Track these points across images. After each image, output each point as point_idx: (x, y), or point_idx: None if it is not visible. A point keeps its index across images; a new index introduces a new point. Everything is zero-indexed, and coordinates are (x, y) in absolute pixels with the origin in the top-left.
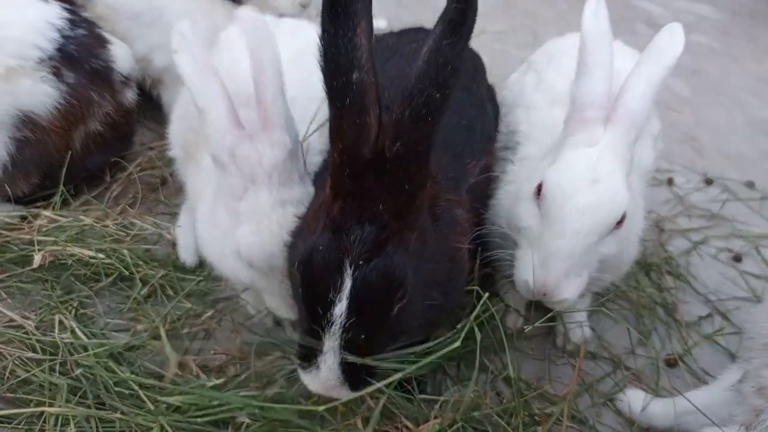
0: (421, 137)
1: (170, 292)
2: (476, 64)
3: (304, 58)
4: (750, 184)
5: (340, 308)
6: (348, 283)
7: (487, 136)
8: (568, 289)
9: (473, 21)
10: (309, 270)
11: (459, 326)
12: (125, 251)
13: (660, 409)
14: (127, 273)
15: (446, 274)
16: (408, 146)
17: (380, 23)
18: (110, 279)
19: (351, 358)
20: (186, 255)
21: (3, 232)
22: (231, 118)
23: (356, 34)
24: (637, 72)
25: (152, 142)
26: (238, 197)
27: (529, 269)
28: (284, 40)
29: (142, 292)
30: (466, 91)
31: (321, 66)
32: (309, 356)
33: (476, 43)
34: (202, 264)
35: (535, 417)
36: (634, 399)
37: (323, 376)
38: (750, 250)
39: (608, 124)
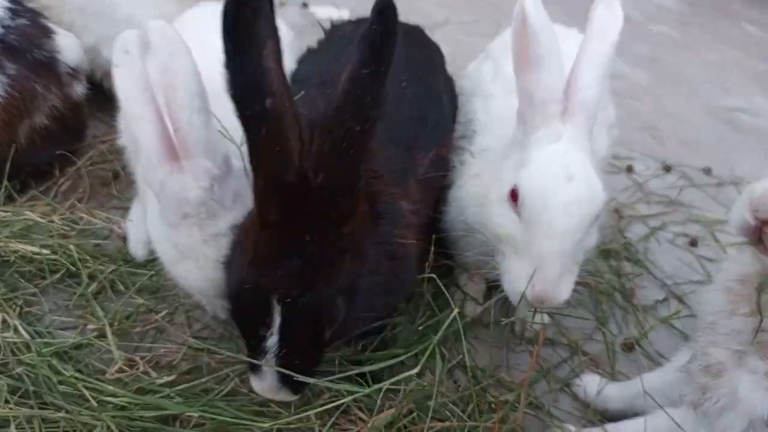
0: (343, 169)
1: (121, 288)
2: (433, 55)
3: None
4: (707, 171)
5: (272, 341)
6: (277, 319)
7: (441, 128)
8: (565, 291)
9: (393, 45)
10: (238, 306)
11: (420, 347)
12: (72, 247)
13: (615, 392)
14: (74, 269)
15: (389, 276)
16: (331, 178)
17: (343, 14)
18: (57, 276)
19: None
20: (136, 249)
21: None
22: (164, 148)
23: (263, 57)
24: (583, 57)
25: (105, 135)
26: (175, 228)
27: (523, 279)
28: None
29: (90, 289)
30: (420, 83)
31: (231, 95)
32: (253, 365)
33: (440, 33)
34: (154, 258)
35: (492, 405)
36: (589, 383)
37: (266, 382)
38: (706, 235)
39: (565, 116)
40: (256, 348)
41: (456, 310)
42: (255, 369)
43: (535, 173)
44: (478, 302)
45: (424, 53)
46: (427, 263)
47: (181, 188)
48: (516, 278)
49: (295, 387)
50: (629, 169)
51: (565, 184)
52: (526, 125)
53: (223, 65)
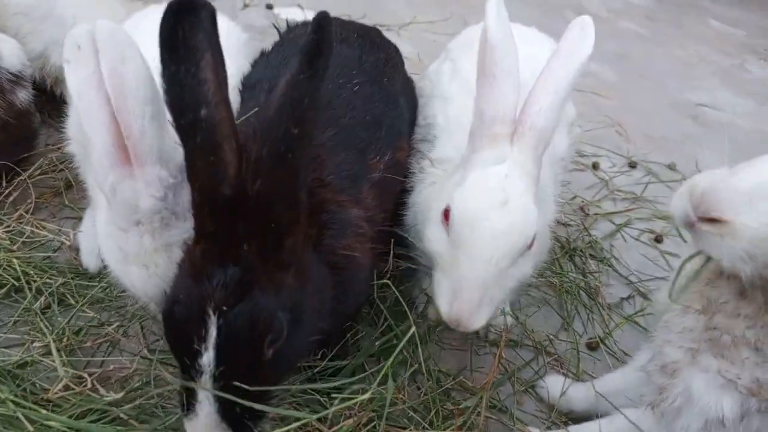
0: (282, 175)
1: (71, 302)
2: (389, 56)
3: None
4: (672, 166)
5: (208, 358)
6: (213, 332)
7: (397, 131)
8: (480, 319)
9: (329, 54)
10: (171, 319)
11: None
12: (14, 260)
13: (579, 393)
14: (18, 284)
15: (336, 291)
16: (270, 184)
17: (308, 15)
18: (2, 291)
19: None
20: (89, 260)
21: None
22: (116, 152)
23: (200, 68)
24: (545, 80)
25: (58, 143)
26: (124, 233)
27: (444, 299)
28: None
29: (37, 304)
30: (374, 85)
31: (167, 104)
32: (189, 402)
33: (406, 32)
34: (106, 269)
35: (453, 410)
36: (553, 384)
37: (202, 423)
38: (671, 231)
39: (515, 139)
40: (190, 370)
41: (413, 329)
42: (189, 407)
43: (469, 195)
44: None
45: (380, 54)
46: (386, 268)
47: (133, 195)
48: (438, 296)
49: (236, 424)
50: (595, 166)
51: (498, 209)
52: (473, 142)
53: (159, 75)
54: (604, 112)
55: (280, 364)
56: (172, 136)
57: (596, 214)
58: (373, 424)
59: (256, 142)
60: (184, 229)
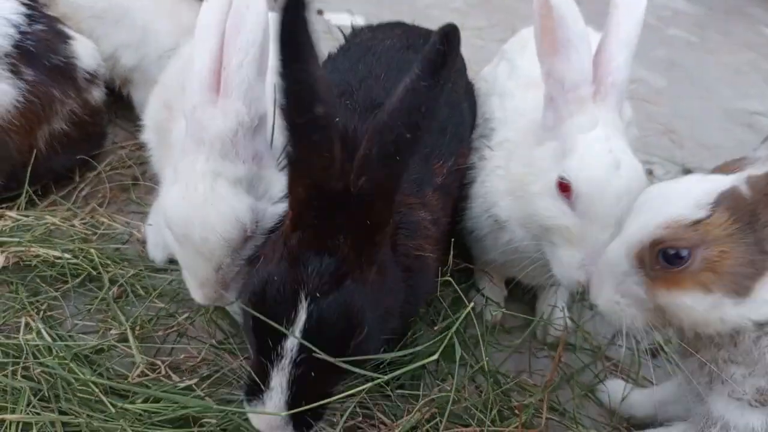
0: (387, 175)
1: (141, 293)
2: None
3: None
4: None
5: (292, 341)
6: (303, 316)
7: (460, 137)
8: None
9: (452, 65)
10: (262, 300)
11: (437, 335)
12: (92, 251)
13: (641, 399)
14: (95, 273)
15: (407, 291)
16: (373, 183)
17: (357, 20)
18: (78, 280)
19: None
20: (156, 252)
21: None
22: (210, 78)
23: (312, 67)
24: (612, 38)
25: (125, 140)
26: (184, 153)
27: (576, 268)
28: None
29: (111, 293)
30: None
31: (282, 104)
32: (256, 391)
33: None
34: (174, 262)
35: (514, 410)
36: (613, 389)
37: (267, 415)
38: None
39: (598, 99)
40: (270, 353)
41: (471, 304)
42: (258, 397)
43: (586, 165)
44: (500, 306)
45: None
46: (447, 267)
47: (208, 118)
48: (569, 267)
49: (298, 418)
50: (649, 173)
51: (614, 171)
52: (558, 111)
53: (277, 74)
54: (656, 119)
55: (356, 362)
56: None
57: None
58: (435, 420)
59: (366, 141)
60: (238, 171)
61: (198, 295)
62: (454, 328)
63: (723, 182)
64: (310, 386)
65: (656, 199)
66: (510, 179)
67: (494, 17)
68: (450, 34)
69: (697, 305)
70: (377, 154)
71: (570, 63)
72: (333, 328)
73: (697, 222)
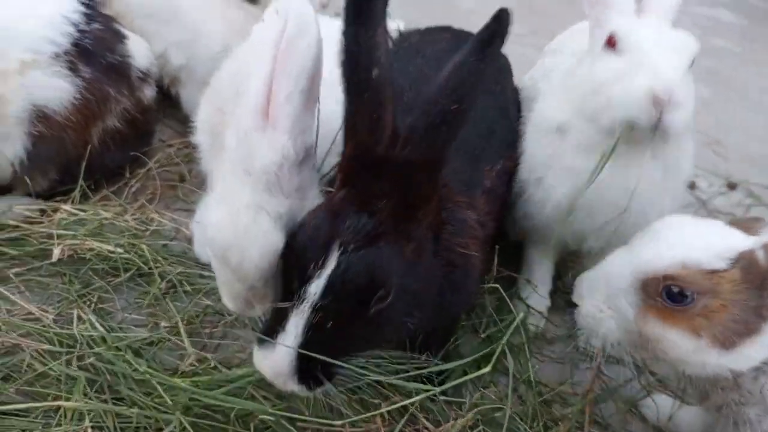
0: (431, 147)
1: (188, 289)
2: (502, 66)
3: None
4: None
5: (317, 286)
6: (332, 263)
7: (508, 141)
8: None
9: (500, 45)
10: (296, 240)
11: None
12: (144, 246)
13: (688, 419)
14: (146, 268)
15: (446, 285)
16: (417, 154)
17: (398, 24)
18: (128, 274)
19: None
20: (201, 250)
21: (22, 225)
22: (262, 102)
23: (377, 33)
24: None
25: (171, 139)
26: (233, 177)
27: (643, 83)
28: None
29: (160, 288)
30: (489, 95)
31: (341, 62)
32: (269, 332)
33: None
34: None
35: (556, 421)
36: (662, 405)
37: (275, 358)
38: None
39: (641, 15)
40: (293, 294)
41: (521, 315)
42: (268, 335)
43: (631, 19)
44: (543, 315)
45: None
46: (490, 273)
47: (257, 147)
48: (634, 88)
49: (305, 372)
50: (692, 186)
51: (667, 29)
52: (600, 26)
53: (340, 32)
54: (699, 130)
55: (374, 331)
56: (312, 127)
57: None
58: (478, 428)
59: (415, 111)
60: (282, 205)
61: (229, 305)
62: (504, 340)
63: (744, 242)
64: (327, 337)
65: (677, 234)
66: (556, 107)
67: (535, 23)
68: (503, 16)
69: (683, 345)
70: (423, 125)
71: None
72: (357, 281)
73: (714, 272)
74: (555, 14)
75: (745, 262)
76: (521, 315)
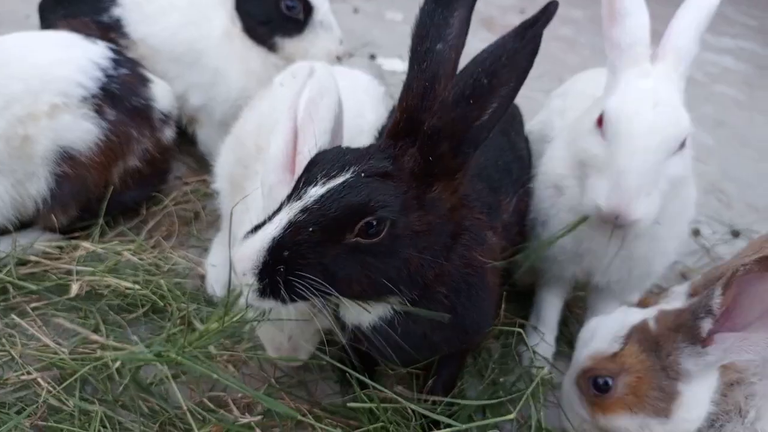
0: (456, 117)
1: (199, 326)
2: (515, 114)
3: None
4: None
5: (316, 191)
6: (338, 180)
7: (522, 182)
8: (640, 207)
9: (541, 30)
10: (324, 154)
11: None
12: (162, 282)
13: None
14: (161, 304)
15: (459, 306)
16: (442, 122)
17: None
18: (143, 310)
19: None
20: (215, 288)
21: (42, 260)
22: (284, 159)
23: (453, 17)
24: (684, 8)
25: (187, 176)
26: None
27: (601, 193)
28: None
29: (174, 323)
30: (504, 135)
31: (413, 33)
32: (255, 228)
33: None
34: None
35: None
36: None
37: (248, 244)
38: None
39: (656, 60)
40: (293, 194)
41: (545, 369)
42: (254, 229)
43: (621, 99)
44: (549, 362)
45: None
46: (498, 318)
47: (279, 200)
48: (594, 193)
49: (269, 274)
50: (696, 233)
51: (650, 108)
52: (615, 68)
53: (419, 6)
54: (703, 178)
55: (347, 268)
56: None
57: None
58: None
59: (446, 84)
60: None
61: (274, 354)
62: (528, 391)
63: (636, 316)
64: (303, 243)
65: (591, 331)
66: (569, 139)
67: (541, 67)
68: (549, 7)
69: (629, 426)
70: (452, 96)
71: (626, 28)
72: (354, 201)
73: (615, 354)
74: (560, 58)
75: (638, 334)
76: (545, 369)
